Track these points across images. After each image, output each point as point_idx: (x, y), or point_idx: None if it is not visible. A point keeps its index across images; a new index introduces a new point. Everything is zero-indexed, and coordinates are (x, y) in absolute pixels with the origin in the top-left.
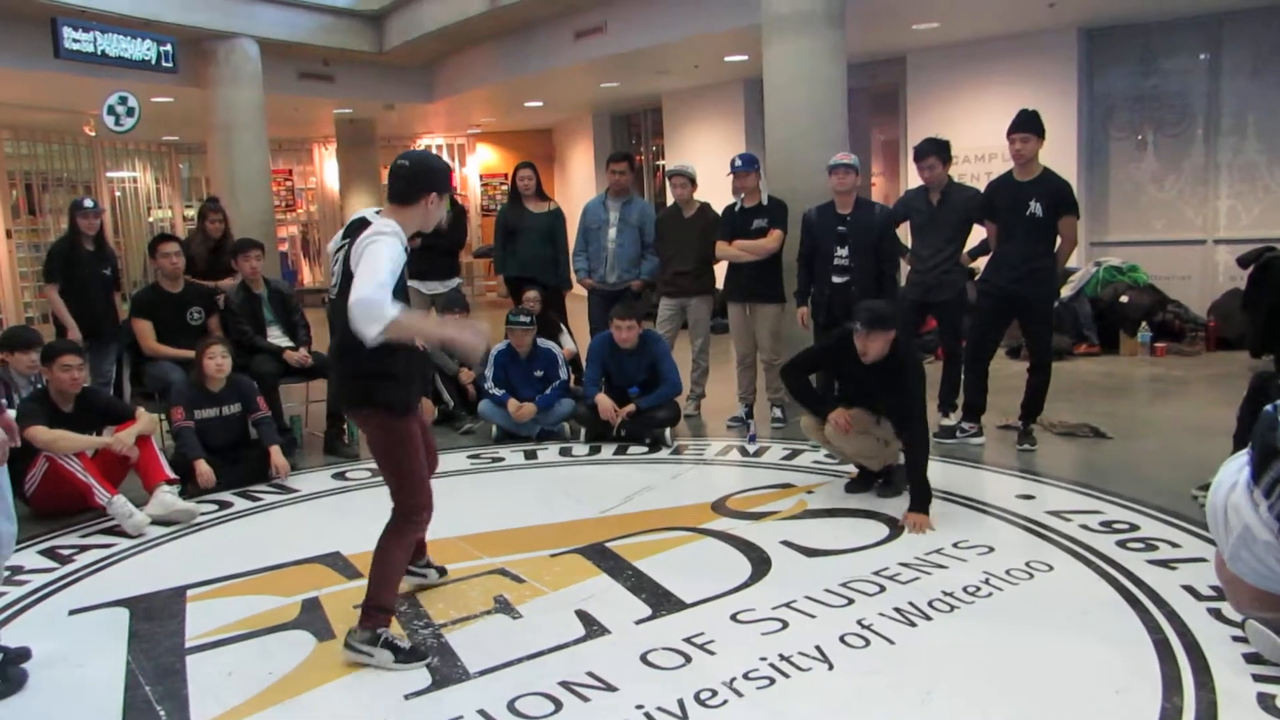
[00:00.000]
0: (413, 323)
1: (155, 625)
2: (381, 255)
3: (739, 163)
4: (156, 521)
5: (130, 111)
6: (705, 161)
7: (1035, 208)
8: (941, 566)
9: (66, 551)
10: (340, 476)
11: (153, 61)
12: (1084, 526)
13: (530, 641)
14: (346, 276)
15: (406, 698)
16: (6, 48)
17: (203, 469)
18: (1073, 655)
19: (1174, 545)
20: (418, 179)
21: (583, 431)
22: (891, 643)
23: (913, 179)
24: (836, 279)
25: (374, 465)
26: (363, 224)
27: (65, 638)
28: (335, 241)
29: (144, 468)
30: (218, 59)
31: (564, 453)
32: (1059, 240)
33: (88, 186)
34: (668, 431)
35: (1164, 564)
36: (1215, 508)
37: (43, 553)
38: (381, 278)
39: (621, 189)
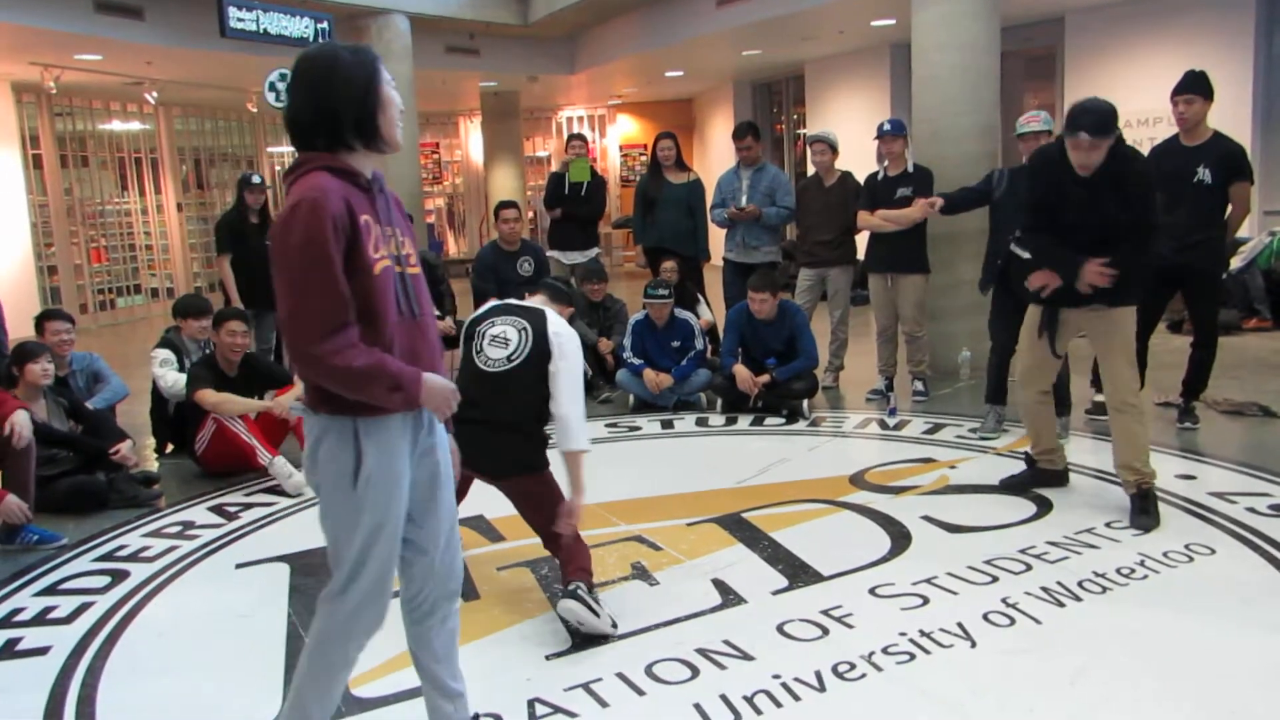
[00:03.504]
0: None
1: (314, 580)
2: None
3: (887, 127)
4: None
5: None
6: (848, 130)
7: (1204, 174)
8: (1093, 547)
9: (233, 509)
10: None
11: (311, 38)
12: (1250, 509)
13: (667, 608)
14: (536, 356)
15: (548, 658)
16: (178, 28)
17: None
18: (1235, 643)
19: None
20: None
21: (719, 402)
22: (1038, 622)
23: None
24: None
25: None
26: (539, 316)
27: (233, 590)
28: (503, 319)
29: (302, 431)
30: (371, 35)
31: (700, 423)
32: (1229, 208)
33: (250, 161)
34: (805, 403)
35: None
36: None
37: (212, 509)
38: (582, 406)
39: (752, 160)
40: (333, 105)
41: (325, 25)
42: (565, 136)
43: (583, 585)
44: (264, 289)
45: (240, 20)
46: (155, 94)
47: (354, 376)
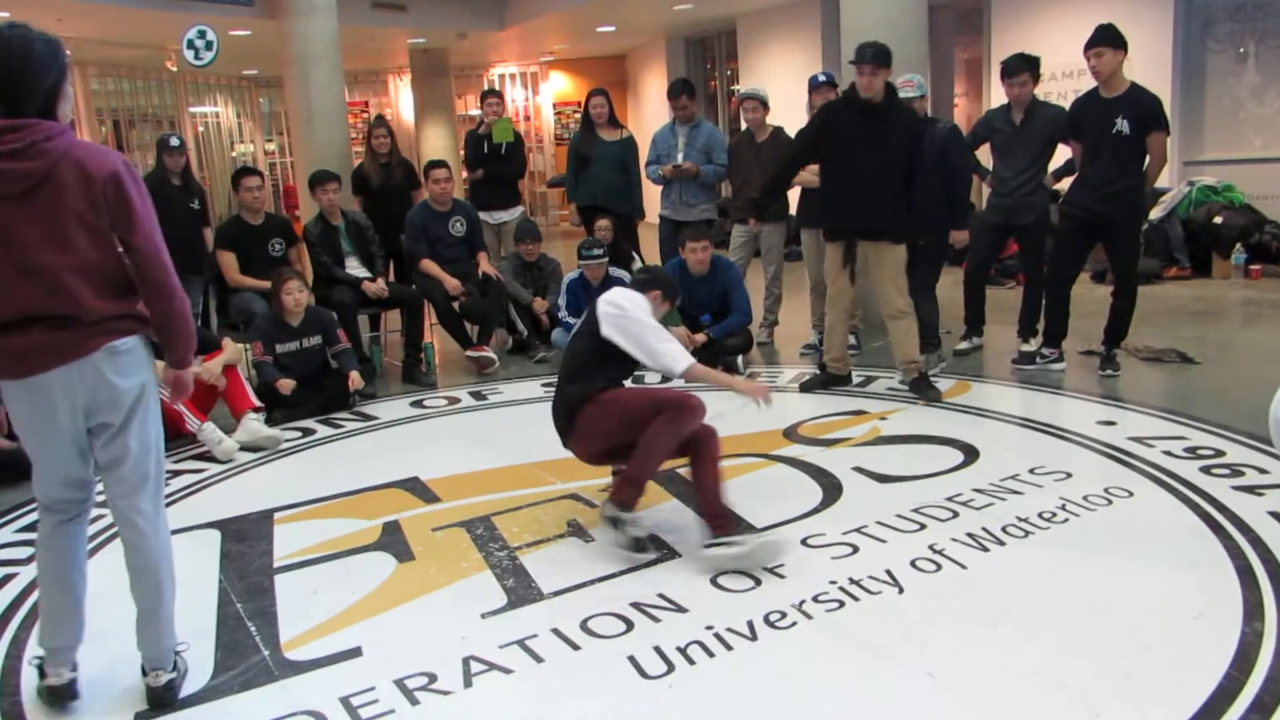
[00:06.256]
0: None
1: (245, 546)
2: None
3: (822, 78)
4: (244, 448)
5: (209, 45)
6: (780, 85)
7: (1122, 125)
8: (1017, 493)
9: None
10: (418, 405)
11: None
12: (1167, 452)
13: (602, 564)
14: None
15: (483, 616)
16: None
17: (282, 380)
18: (1151, 581)
19: (1262, 471)
20: None
21: None
22: (964, 567)
23: (996, 98)
24: None
25: (451, 394)
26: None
27: None
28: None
29: (231, 396)
30: None
31: (636, 380)
32: (1147, 159)
33: (172, 122)
34: (740, 359)
35: (1250, 490)
36: (1277, 423)
37: None
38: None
39: (688, 118)
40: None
41: None
42: (480, 93)
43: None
44: (188, 252)
45: None
46: (69, 52)
47: None
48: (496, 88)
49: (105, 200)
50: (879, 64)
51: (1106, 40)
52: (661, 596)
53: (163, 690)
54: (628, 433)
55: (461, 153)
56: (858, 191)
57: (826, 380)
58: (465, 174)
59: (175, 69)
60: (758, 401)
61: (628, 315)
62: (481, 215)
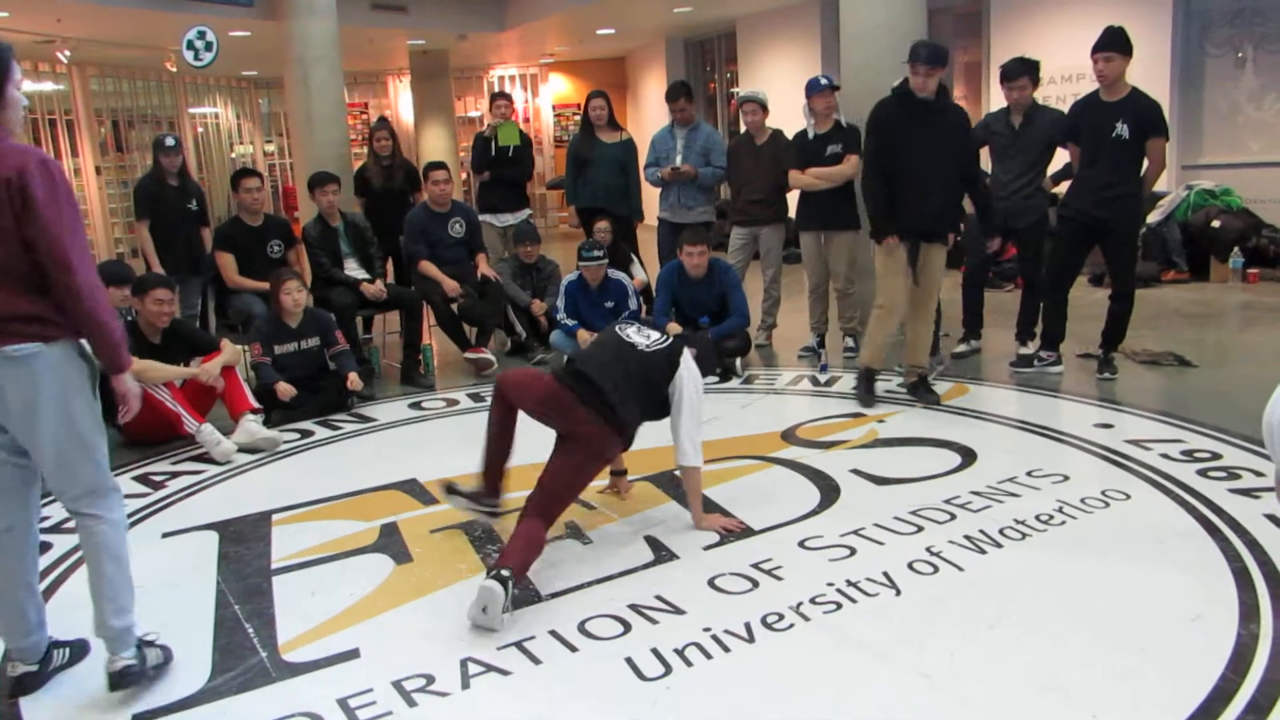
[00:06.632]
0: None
1: (243, 548)
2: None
3: (822, 81)
4: (242, 449)
5: (209, 46)
6: (779, 88)
7: (1122, 129)
8: (1014, 495)
9: (159, 478)
10: (416, 406)
11: None
12: (1164, 455)
13: (600, 566)
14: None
15: None
16: None
17: (282, 386)
18: (1147, 583)
19: (1258, 474)
20: None
21: None
22: (961, 569)
23: (996, 102)
24: None
25: (450, 396)
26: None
27: (159, 559)
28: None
29: (229, 398)
30: None
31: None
32: (1146, 164)
33: (171, 123)
34: (738, 361)
35: (1246, 493)
36: (1272, 425)
37: (137, 479)
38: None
39: (686, 120)
40: None
41: None
42: (489, 96)
43: (514, 580)
44: (186, 254)
45: None
46: (68, 53)
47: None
48: (501, 90)
49: (10, 198)
50: (933, 65)
51: (1116, 45)
52: (659, 599)
53: (118, 676)
54: (564, 473)
55: (461, 154)
56: (920, 192)
57: (872, 378)
58: (465, 175)
59: (175, 70)
60: (719, 532)
61: (700, 398)
62: (488, 218)
